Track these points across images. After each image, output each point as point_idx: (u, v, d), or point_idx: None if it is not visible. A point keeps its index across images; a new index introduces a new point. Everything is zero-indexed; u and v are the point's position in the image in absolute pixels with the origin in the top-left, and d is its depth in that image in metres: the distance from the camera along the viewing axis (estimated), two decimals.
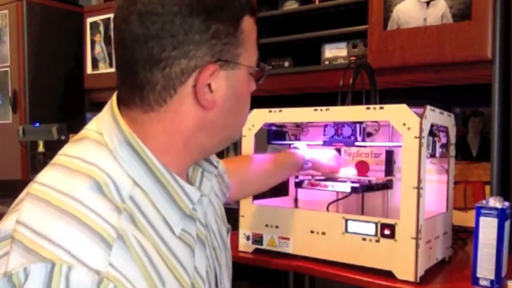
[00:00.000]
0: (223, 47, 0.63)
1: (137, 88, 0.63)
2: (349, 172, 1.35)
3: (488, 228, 1.06)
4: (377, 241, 1.15)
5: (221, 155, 2.26)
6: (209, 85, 0.63)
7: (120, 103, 0.66)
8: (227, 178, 1.02)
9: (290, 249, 1.30)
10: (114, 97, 0.67)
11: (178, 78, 0.62)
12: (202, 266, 0.70)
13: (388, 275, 1.13)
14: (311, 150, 1.30)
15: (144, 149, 0.63)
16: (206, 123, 0.65)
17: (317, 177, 1.30)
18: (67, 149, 0.65)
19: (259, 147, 1.37)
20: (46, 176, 0.61)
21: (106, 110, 0.67)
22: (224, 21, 0.62)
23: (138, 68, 0.62)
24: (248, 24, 0.66)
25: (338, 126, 1.25)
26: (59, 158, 0.64)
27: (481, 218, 1.07)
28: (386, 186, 1.33)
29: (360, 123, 1.24)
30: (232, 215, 1.36)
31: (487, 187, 1.62)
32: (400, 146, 1.16)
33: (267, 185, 1.24)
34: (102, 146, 0.63)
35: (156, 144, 0.64)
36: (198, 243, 0.70)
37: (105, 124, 0.65)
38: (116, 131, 0.63)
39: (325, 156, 1.31)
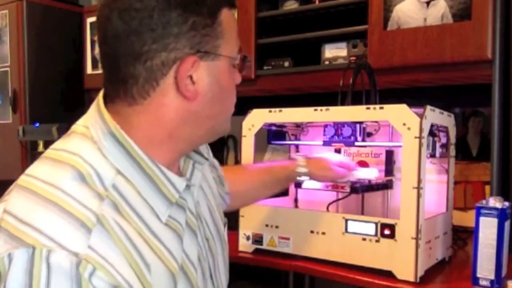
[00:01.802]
0: (201, 38, 0.65)
1: (121, 82, 0.65)
2: (368, 173, 1.29)
3: (488, 228, 1.06)
4: (377, 241, 1.15)
5: (221, 154, 2.26)
6: (190, 77, 0.65)
7: (106, 98, 0.69)
8: (227, 186, 1.03)
9: (290, 249, 1.30)
10: (100, 93, 0.70)
11: (160, 70, 0.64)
12: (193, 253, 0.72)
13: (388, 275, 1.13)
14: (311, 159, 1.21)
15: (127, 140, 0.65)
16: (190, 114, 0.67)
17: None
18: (55, 144, 0.68)
19: (259, 147, 1.37)
20: (34, 168, 0.64)
21: (93, 105, 0.70)
22: (202, 13, 0.64)
23: (120, 63, 0.64)
24: (227, 16, 0.68)
25: (338, 126, 1.25)
26: (47, 152, 0.67)
27: (481, 218, 1.07)
28: (386, 186, 1.33)
29: (360, 123, 1.24)
30: (232, 215, 1.36)
31: (487, 187, 1.62)
32: (400, 146, 1.16)
33: (261, 197, 1.23)
34: (86, 138, 0.65)
35: (140, 135, 0.66)
36: (188, 231, 0.71)
37: (91, 118, 0.68)
38: (101, 124, 0.66)
39: (324, 165, 1.20)
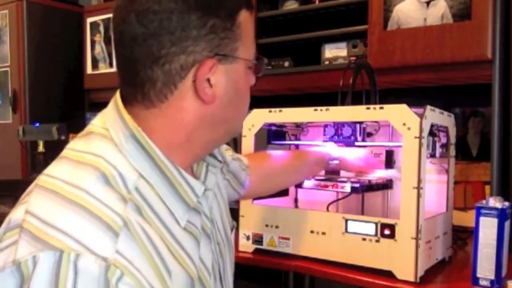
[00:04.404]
0: (220, 41, 0.64)
1: (138, 85, 0.64)
2: (382, 173, 1.32)
3: (488, 228, 1.06)
4: (377, 241, 1.15)
5: None
6: (208, 80, 0.64)
7: (122, 100, 0.67)
8: (244, 175, 1.03)
9: (290, 249, 1.30)
10: (117, 94, 0.68)
11: (178, 74, 0.63)
12: (208, 258, 0.71)
13: (388, 275, 1.13)
14: (340, 149, 1.28)
15: (149, 143, 0.64)
16: (207, 117, 0.66)
17: (317, 177, 1.30)
18: (73, 144, 0.66)
19: (259, 147, 1.37)
20: (54, 169, 0.63)
21: (110, 106, 0.68)
22: (221, 15, 0.63)
23: (138, 66, 0.63)
24: (245, 18, 0.67)
25: (338, 126, 1.25)
26: (66, 152, 0.65)
27: (481, 218, 1.07)
28: (386, 186, 1.33)
29: (360, 123, 1.24)
30: (232, 215, 1.36)
31: (487, 187, 1.62)
32: (400, 146, 1.16)
33: (292, 181, 1.25)
34: (107, 140, 0.64)
35: (159, 138, 0.65)
36: (203, 236, 0.71)
37: (110, 119, 0.66)
38: (122, 126, 0.65)
39: (354, 155, 1.29)
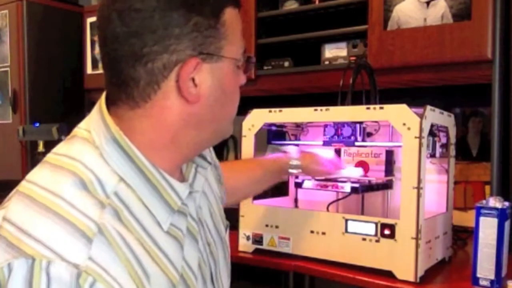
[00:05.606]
0: (204, 40, 0.63)
1: (122, 85, 0.64)
2: (353, 172, 1.32)
3: (488, 228, 1.06)
4: (377, 241, 1.15)
5: (221, 155, 2.26)
6: (193, 79, 0.63)
7: (108, 101, 0.67)
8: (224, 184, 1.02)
9: (290, 249, 1.30)
10: (103, 96, 0.68)
11: (161, 73, 0.62)
12: (193, 260, 0.70)
13: (388, 275, 1.13)
14: (304, 153, 1.25)
15: (130, 146, 0.63)
16: (192, 117, 0.66)
17: (317, 177, 1.30)
18: (57, 147, 0.66)
19: (259, 147, 1.37)
20: (34, 173, 0.63)
21: (95, 108, 0.68)
22: (204, 13, 0.62)
23: (121, 65, 0.63)
24: (231, 16, 0.66)
25: (338, 126, 1.25)
26: (48, 156, 0.65)
27: (481, 218, 1.07)
28: (386, 186, 1.33)
29: (360, 123, 1.24)
30: (232, 215, 1.36)
31: (487, 187, 1.62)
32: (400, 146, 1.16)
33: (255, 192, 1.24)
34: (88, 143, 0.64)
35: (143, 140, 0.65)
36: (188, 238, 0.70)
37: (93, 122, 0.66)
38: (103, 128, 0.64)
39: (317, 160, 1.24)
